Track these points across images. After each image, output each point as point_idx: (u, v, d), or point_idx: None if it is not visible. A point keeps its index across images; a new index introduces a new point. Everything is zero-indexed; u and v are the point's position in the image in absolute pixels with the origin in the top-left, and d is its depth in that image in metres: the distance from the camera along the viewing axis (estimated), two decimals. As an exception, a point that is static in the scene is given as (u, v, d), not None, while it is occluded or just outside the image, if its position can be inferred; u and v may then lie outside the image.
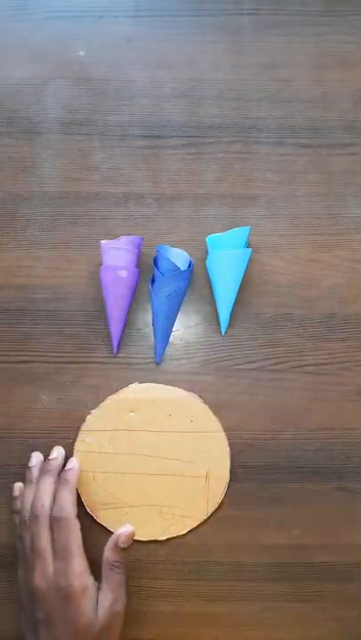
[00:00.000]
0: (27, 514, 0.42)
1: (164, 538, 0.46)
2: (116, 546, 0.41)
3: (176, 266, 0.45)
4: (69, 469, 0.44)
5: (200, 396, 0.47)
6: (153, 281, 0.46)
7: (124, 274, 0.45)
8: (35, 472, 0.45)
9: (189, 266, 0.47)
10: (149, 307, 0.48)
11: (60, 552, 0.40)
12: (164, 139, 0.49)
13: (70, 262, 0.49)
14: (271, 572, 0.47)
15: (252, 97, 0.50)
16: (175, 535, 0.46)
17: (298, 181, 0.49)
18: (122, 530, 0.42)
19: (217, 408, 0.47)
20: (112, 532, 0.45)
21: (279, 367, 0.48)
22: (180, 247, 0.47)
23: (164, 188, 0.49)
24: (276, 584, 0.47)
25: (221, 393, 0.47)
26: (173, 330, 0.48)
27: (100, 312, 0.48)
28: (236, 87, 0.50)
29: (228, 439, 0.47)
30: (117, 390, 0.47)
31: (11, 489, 0.46)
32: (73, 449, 0.46)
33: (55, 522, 0.41)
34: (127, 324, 0.48)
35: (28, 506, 0.43)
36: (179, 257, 0.46)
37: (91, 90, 0.50)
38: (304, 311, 0.48)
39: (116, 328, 0.47)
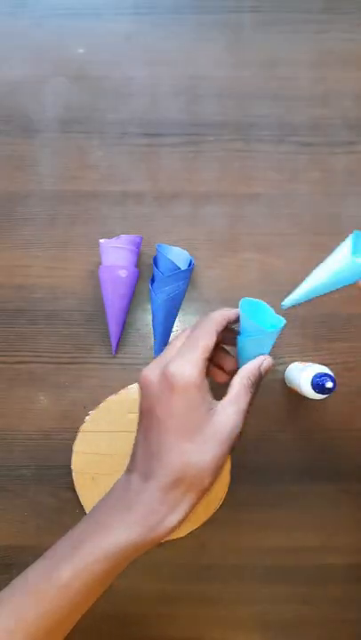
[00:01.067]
0: None
1: (163, 540, 0.46)
2: (258, 368, 0.37)
3: (176, 265, 0.45)
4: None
5: None
6: (153, 280, 0.46)
7: (123, 273, 0.45)
8: None
9: (190, 265, 0.46)
10: (149, 307, 0.48)
11: (183, 346, 0.35)
12: (164, 137, 0.49)
13: (69, 261, 0.48)
14: (272, 573, 0.46)
15: (252, 95, 0.49)
16: (174, 537, 0.46)
17: (299, 180, 0.49)
18: (268, 358, 0.38)
19: (217, 409, 0.47)
20: None
21: (280, 367, 0.47)
22: (179, 246, 0.47)
23: (164, 187, 0.49)
24: (276, 586, 0.46)
25: (222, 393, 0.47)
26: (173, 330, 0.48)
27: (99, 312, 0.48)
28: (237, 85, 0.49)
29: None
30: (116, 391, 0.47)
31: (8, 490, 0.46)
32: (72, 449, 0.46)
33: (197, 321, 0.37)
34: (126, 324, 0.48)
35: None
36: (179, 256, 0.46)
37: (90, 88, 0.50)
38: (305, 311, 0.48)
39: (115, 328, 0.47)
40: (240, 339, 0.38)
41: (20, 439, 0.47)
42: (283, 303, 0.38)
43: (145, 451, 0.35)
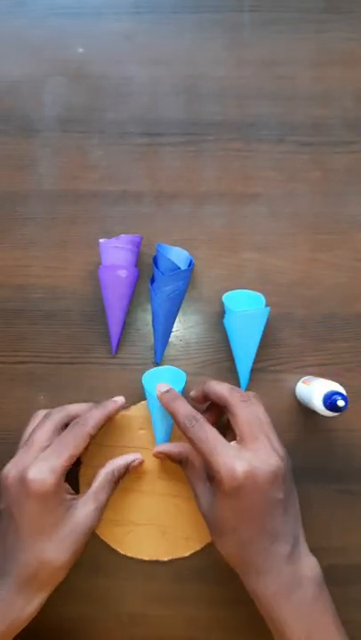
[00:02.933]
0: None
1: (166, 559, 0.46)
2: (126, 466, 0.42)
3: (176, 265, 0.45)
4: (114, 400, 0.43)
5: None
6: (153, 280, 0.46)
7: (123, 273, 0.45)
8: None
9: (190, 265, 0.46)
10: (149, 307, 0.48)
11: (49, 448, 0.37)
12: (164, 136, 0.49)
13: (68, 261, 0.48)
14: (272, 574, 0.46)
15: (252, 94, 0.49)
16: (178, 557, 0.46)
17: (299, 180, 0.49)
18: (137, 456, 0.43)
19: (217, 409, 0.47)
20: (115, 561, 0.46)
21: (280, 368, 0.47)
22: (179, 246, 0.47)
23: (164, 187, 0.49)
24: (276, 587, 0.46)
25: (221, 394, 0.47)
26: (173, 330, 0.48)
27: (99, 312, 0.48)
28: (237, 84, 0.49)
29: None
30: (116, 390, 0.47)
31: None
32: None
33: (71, 424, 0.39)
34: (126, 324, 0.48)
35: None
36: (179, 256, 0.46)
37: (89, 87, 0.49)
38: (305, 311, 0.48)
39: (114, 328, 0.47)
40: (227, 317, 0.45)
41: (18, 440, 0.47)
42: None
43: (1, 548, 0.36)
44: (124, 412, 0.46)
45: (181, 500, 0.46)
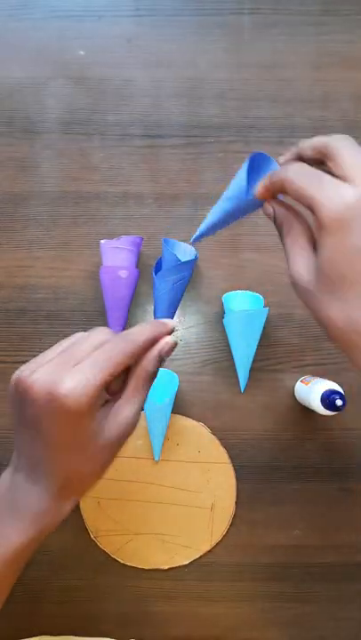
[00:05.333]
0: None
1: (166, 567, 0.46)
2: (158, 355, 0.33)
3: (179, 259, 0.45)
4: (164, 322, 0.34)
5: (208, 426, 0.47)
6: (157, 270, 0.46)
7: (124, 274, 0.45)
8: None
9: (194, 258, 0.47)
10: (149, 307, 0.48)
11: (89, 360, 0.31)
12: (164, 138, 0.49)
13: (70, 262, 0.49)
14: (271, 572, 0.47)
15: (252, 96, 0.50)
16: (177, 565, 0.46)
17: (298, 181, 0.49)
18: (167, 339, 0.33)
19: (217, 408, 0.47)
20: (114, 559, 0.46)
21: (279, 367, 0.48)
22: (180, 247, 0.47)
23: (164, 188, 0.49)
24: (276, 584, 0.47)
25: (221, 393, 0.47)
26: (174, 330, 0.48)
27: (100, 312, 0.48)
28: (237, 87, 0.50)
29: (229, 439, 0.47)
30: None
31: None
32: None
33: (119, 336, 0.32)
34: (127, 324, 0.48)
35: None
36: (185, 251, 0.47)
37: (91, 89, 0.50)
38: (304, 311, 0.48)
39: (115, 328, 0.47)
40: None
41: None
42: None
43: (31, 455, 0.33)
44: None
45: (181, 509, 0.46)
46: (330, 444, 0.47)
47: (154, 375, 0.34)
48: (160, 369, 0.43)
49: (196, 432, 0.46)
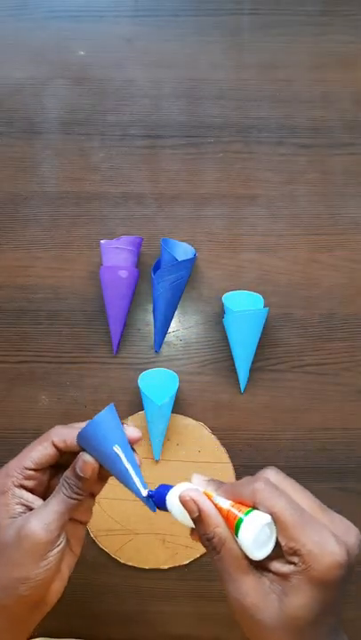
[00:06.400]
0: None
1: (166, 567, 0.46)
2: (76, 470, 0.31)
3: (176, 258, 0.45)
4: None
5: (208, 426, 0.47)
6: (155, 269, 0.46)
7: (124, 274, 0.45)
8: None
9: (193, 256, 0.47)
10: (149, 307, 0.48)
11: (47, 501, 0.30)
12: (164, 139, 0.49)
13: (70, 262, 0.49)
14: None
15: (252, 97, 0.50)
16: (177, 565, 0.46)
17: (298, 181, 0.49)
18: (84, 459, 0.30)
19: (217, 408, 0.47)
20: (114, 559, 0.46)
21: (279, 367, 0.48)
22: (180, 247, 0.47)
23: (164, 188, 0.49)
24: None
25: (221, 393, 0.47)
26: (173, 330, 0.48)
27: (100, 312, 0.48)
28: (237, 87, 0.50)
29: (229, 439, 0.47)
30: (117, 390, 0.47)
31: None
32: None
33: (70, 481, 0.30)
34: (127, 324, 0.48)
35: None
36: (185, 251, 0.47)
37: (91, 90, 0.50)
38: (304, 311, 0.48)
39: (115, 328, 0.47)
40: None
41: (21, 438, 0.47)
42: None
43: None
44: (122, 424, 0.47)
45: None
46: (330, 444, 0.47)
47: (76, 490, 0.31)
48: (160, 369, 0.45)
49: (196, 432, 0.46)
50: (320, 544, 0.26)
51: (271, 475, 0.29)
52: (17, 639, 0.33)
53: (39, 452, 0.31)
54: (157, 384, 0.46)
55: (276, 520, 0.27)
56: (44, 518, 0.29)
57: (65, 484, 0.30)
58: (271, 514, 0.27)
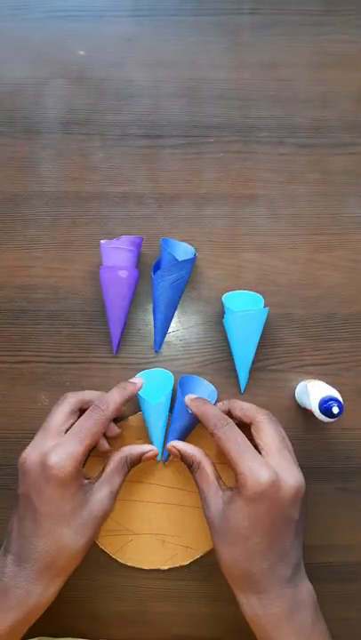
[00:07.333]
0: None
1: (165, 567, 0.46)
2: (139, 455, 0.41)
3: (176, 258, 0.45)
4: (132, 382, 0.43)
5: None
6: (155, 269, 0.46)
7: (124, 274, 0.45)
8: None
9: (193, 256, 0.47)
10: (149, 307, 0.48)
11: (69, 432, 0.37)
12: (164, 138, 0.49)
13: (70, 262, 0.49)
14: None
15: (252, 96, 0.50)
16: (177, 565, 0.46)
17: (298, 181, 0.49)
18: (151, 451, 0.42)
19: (217, 408, 0.47)
20: (115, 560, 0.46)
21: (280, 367, 0.48)
22: (180, 247, 0.47)
23: (164, 188, 0.49)
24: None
25: (221, 393, 0.47)
26: (173, 330, 0.48)
27: (100, 312, 0.48)
28: (237, 87, 0.50)
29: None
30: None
31: (10, 489, 0.46)
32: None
33: (91, 409, 0.38)
34: (127, 324, 0.48)
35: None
36: (185, 251, 0.47)
37: (91, 89, 0.50)
38: (304, 311, 0.48)
39: (115, 328, 0.47)
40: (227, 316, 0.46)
41: (21, 438, 0.47)
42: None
43: (20, 534, 0.36)
44: (122, 423, 0.47)
45: (181, 509, 0.46)
46: (330, 444, 0.47)
47: (131, 467, 0.41)
48: (156, 369, 0.45)
49: (196, 432, 0.46)
50: (251, 469, 0.35)
51: (265, 417, 0.40)
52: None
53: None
54: (154, 384, 0.46)
55: (227, 451, 0.36)
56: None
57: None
58: (227, 447, 0.37)
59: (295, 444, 0.47)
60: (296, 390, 0.47)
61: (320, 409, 0.40)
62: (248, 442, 0.37)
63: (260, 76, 0.50)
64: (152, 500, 0.46)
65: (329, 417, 0.40)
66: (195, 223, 0.49)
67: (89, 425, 0.37)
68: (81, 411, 0.41)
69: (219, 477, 0.39)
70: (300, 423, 0.48)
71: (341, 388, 0.47)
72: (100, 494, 0.37)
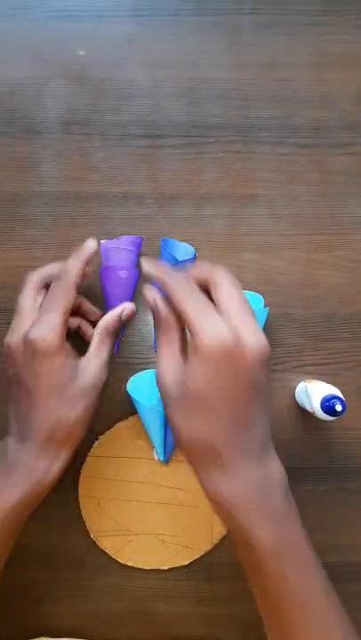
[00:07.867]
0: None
1: (165, 567, 0.46)
2: (118, 317, 0.40)
3: (176, 258, 0.45)
4: (86, 245, 0.40)
5: None
6: None
7: (123, 274, 0.45)
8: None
9: (193, 257, 0.47)
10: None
11: (42, 308, 0.37)
12: (164, 138, 0.49)
13: (70, 262, 0.49)
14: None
15: (252, 96, 0.50)
16: (177, 565, 0.46)
17: (298, 181, 0.49)
18: (127, 305, 0.41)
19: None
20: (114, 559, 0.46)
21: (280, 367, 0.48)
22: (180, 247, 0.47)
23: (164, 188, 0.49)
24: (276, 584, 0.47)
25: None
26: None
27: (100, 312, 0.48)
28: (237, 87, 0.50)
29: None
30: (117, 390, 0.47)
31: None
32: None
33: (54, 281, 0.38)
34: (127, 324, 0.48)
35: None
36: (185, 251, 0.47)
37: (91, 89, 0.50)
38: (304, 311, 0.48)
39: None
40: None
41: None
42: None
43: (17, 415, 0.37)
44: (121, 424, 0.47)
45: (181, 509, 0.46)
46: (330, 444, 0.47)
47: (115, 333, 0.40)
48: (151, 370, 0.45)
49: None
50: (209, 326, 0.31)
51: (222, 273, 0.34)
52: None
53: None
54: (149, 385, 0.46)
55: (183, 313, 0.32)
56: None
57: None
58: (182, 307, 0.33)
59: (295, 444, 0.47)
60: (296, 390, 0.47)
61: (323, 407, 0.40)
62: (209, 303, 0.33)
63: (260, 76, 0.50)
64: (152, 500, 0.46)
65: (332, 415, 0.40)
66: (195, 223, 0.49)
67: (57, 295, 0.37)
68: (47, 287, 0.40)
69: (184, 348, 0.35)
70: (300, 423, 0.48)
71: (342, 387, 0.47)
72: (90, 366, 0.37)
